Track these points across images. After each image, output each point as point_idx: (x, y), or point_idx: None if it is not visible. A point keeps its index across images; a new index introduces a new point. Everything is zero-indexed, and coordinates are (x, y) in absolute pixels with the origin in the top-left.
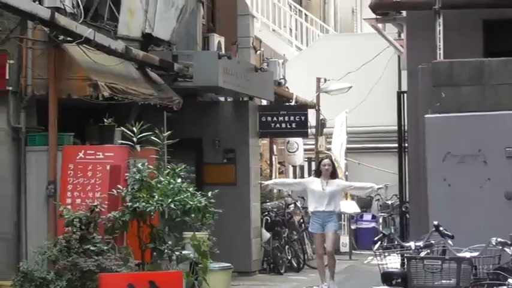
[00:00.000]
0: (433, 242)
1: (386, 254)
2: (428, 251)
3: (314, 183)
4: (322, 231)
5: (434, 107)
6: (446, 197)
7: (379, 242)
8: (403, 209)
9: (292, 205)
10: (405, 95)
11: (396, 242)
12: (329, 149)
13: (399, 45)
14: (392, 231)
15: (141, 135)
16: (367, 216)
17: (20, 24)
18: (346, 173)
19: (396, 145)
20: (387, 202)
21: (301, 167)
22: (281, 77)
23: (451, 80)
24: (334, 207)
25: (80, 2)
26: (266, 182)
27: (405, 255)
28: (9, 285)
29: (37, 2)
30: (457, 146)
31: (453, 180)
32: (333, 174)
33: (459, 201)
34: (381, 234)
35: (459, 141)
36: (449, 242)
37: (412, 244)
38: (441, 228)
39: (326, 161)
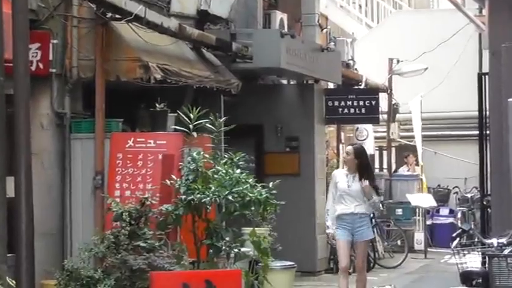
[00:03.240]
0: None
1: (465, 252)
2: None
3: (339, 177)
4: (351, 238)
5: None
6: None
7: (458, 239)
8: (484, 203)
9: None
10: (487, 76)
11: (477, 239)
12: (403, 137)
13: (480, 22)
14: (473, 226)
15: (196, 122)
16: (444, 211)
17: (65, 1)
18: (421, 163)
19: (477, 132)
20: (466, 195)
21: (372, 157)
22: (349, 57)
23: None
24: (367, 208)
25: None
26: (328, 231)
27: (487, 253)
28: (53, 285)
29: None
30: None
31: None
32: (363, 167)
33: None
34: (460, 230)
35: None
36: None
37: (494, 241)
38: None
39: (348, 148)
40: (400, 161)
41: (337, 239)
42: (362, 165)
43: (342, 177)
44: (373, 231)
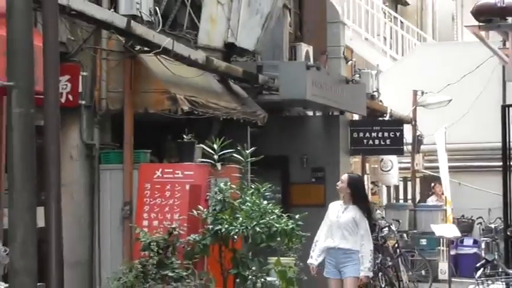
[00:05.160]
0: None
1: (489, 282)
2: None
3: (332, 208)
4: (339, 276)
5: None
6: None
7: (482, 269)
8: (508, 233)
9: (386, 228)
10: (511, 108)
11: (501, 269)
12: (427, 168)
13: (504, 54)
14: (496, 257)
15: (222, 153)
16: (468, 241)
17: (94, 34)
18: (445, 195)
19: (500, 163)
20: (490, 226)
21: (396, 188)
22: (374, 89)
23: None
24: (353, 244)
25: (157, 9)
26: (308, 261)
27: (510, 283)
28: None
29: (112, 10)
30: None
31: None
32: (356, 198)
33: None
34: (484, 261)
35: None
36: None
37: None
38: None
39: (344, 175)
40: (425, 191)
41: (327, 278)
42: (355, 196)
43: (335, 208)
44: (398, 261)
